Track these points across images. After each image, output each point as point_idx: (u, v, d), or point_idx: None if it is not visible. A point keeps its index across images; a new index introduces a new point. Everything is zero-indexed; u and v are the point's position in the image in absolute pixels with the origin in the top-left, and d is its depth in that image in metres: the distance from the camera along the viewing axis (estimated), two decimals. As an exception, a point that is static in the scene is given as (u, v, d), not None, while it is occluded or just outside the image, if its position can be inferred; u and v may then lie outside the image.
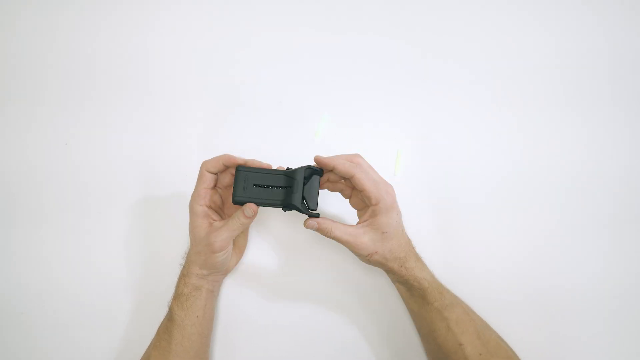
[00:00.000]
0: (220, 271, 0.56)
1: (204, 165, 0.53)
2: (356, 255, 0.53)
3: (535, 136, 0.64)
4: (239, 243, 0.60)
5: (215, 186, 0.55)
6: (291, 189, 0.51)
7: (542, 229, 0.61)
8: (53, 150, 0.67)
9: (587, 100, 0.66)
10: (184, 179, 0.64)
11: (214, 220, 0.54)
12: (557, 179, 0.63)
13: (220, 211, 0.57)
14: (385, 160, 0.64)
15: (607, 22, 0.68)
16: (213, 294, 0.57)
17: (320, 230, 0.51)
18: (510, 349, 0.52)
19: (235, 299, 0.60)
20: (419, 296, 0.52)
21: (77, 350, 0.60)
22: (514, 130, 0.65)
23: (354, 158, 0.53)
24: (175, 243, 0.62)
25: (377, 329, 0.58)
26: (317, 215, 0.52)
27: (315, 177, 0.52)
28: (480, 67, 0.68)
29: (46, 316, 0.61)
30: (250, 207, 0.51)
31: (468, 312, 0.53)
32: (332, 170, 0.51)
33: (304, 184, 0.52)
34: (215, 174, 0.54)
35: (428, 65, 0.68)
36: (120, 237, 0.63)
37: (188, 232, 0.54)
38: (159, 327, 0.54)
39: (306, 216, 0.52)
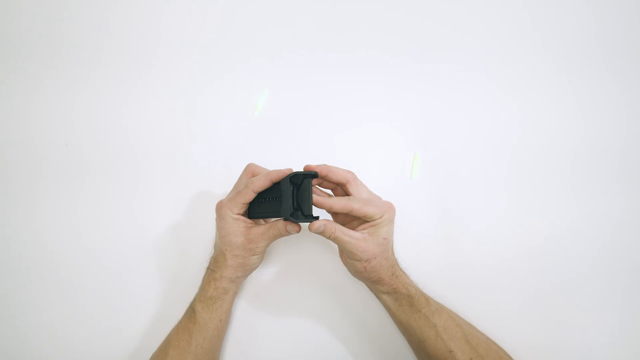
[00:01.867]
0: (251, 272, 0.58)
1: (251, 185, 0.51)
2: (354, 261, 0.52)
3: (538, 133, 0.64)
4: None
5: None
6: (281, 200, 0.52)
7: (547, 234, 0.61)
8: (53, 147, 0.67)
9: (588, 92, 0.66)
10: (180, 177, 0.65)
11: (249, 224, 0.54)
12: (561, 175, 0.63)
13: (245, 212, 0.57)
14: (389, 164, 0.65)
15: (607, 21, 0.68)
16: (235, 296, 0.58)
17: (325, 231, 0.50)
18: (501, 349, 0.53)
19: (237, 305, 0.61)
20: (407, 304, 0.52)
21: (77, 351, 0.60)
22: (516, 127, 0.65)
23: (347, 174, 0.53)
24: (182, 243, 0.63)
25: (371, 337, 0.59)
26: (316, 218, 0.51)
27: (306, 181, 0.51)
28: (481, 65, 0.67)
29: (47, 316, 0.61)
30: (294, 227, 0.52)
31: (454, 318, 0.53)
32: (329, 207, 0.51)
33: (298, 189, 0.52)
34: None
35: (429, 66, 0.68)
36: (121, 237, 0.63)
37: (218, 236, 0.54)
38: (177, 326, 0.55)
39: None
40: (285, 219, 0.52)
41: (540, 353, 0.56)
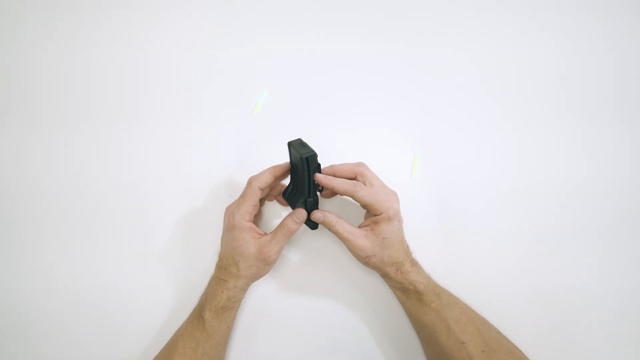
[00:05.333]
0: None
1: (254, 182, 0.52)
2: (355, 255, 0.54)
3: (538, 140, 0.65)
4: None
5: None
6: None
7: (546, 232, 0.61)
8: (54, 151, 0.66)
9: (588, 105, 0.66)
10: (181, 176, 0.65)
11: (259, 234, 0.54)
12: (561, 175, 0.63)
13: (257, 222, 0.57)
14: (390, 164, 0.64)
15: (607, 23, 0.68)
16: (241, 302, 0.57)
17: (325, 221, 0.52)
18: (512, 344, 0.53)
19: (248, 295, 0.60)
20: (415, 299, 0.53)
21: (82, 355, 0.60)
22: (517, 127, 0.65)
23: (356, 168, 0.54)
24: (185, 245, 0.62)
25: (380, 324, 0.59)
26: (313, 200, 0.52)
27: (304, 160, 0.50)
28: (482, 66, 0.68)
29: (47, 317, 0.61)
30: (299, 215, 0.52)
31: (466, 312, 0.53)
32: (331, 190, 0.52)
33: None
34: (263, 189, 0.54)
35: (429, 65, 0.68)
36: (125, 239, 0.63)
37: (230, 247, 0.53)
38: (182, 334, 0.53)
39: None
40: (283, 196, 0.54)
41: (540, 350, 0.56)
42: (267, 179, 0.52)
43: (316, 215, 0.52)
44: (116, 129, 0.67)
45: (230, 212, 0.53)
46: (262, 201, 0.59)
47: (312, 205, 0.53)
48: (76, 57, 0.70)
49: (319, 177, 0.51)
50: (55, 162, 0.66)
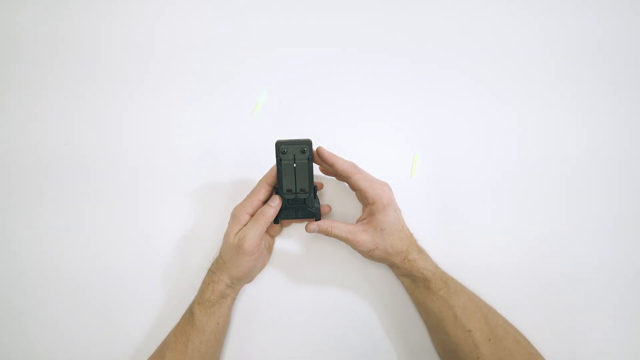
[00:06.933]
0: (247, 281, 0.57)
1: (263, 178, 0.55)
2: (358, 252, 0.54)
3: (537, 132, 0.64)
4: (262, 257, 0.59)
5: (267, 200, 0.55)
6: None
7: (546, 225, 0.61)
8: (53, 148, 0.67)
9: (587, 94, 0.66)
10: (180, 176, 0.65)
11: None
12: (560, 174, 0.63)
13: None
14: (389, 163, 0.64)
15: (606, 13, 0.68)
16: (234, 302, 0.57)
17: (321, 231, 0.53)
18: (518, 333, 0.53)
19: (248, 293, 0.60)
20: (423, 287, 0.53)
21: (78, 352, 0.60)
22: (515, 127, 0.65)
23: (349, 169, 0.54)
24: (184, 244, 0.62)
25: (389, 317, 0.59)
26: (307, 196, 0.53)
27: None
28: (480, 66, 0.67)
29: (46, 317, 0.61)
30: (274, 197, 0.53)
31: (474, 300, 0.53)
32: (330, 166, 0.53)
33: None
34: (273, 186, 0.55)
35: (429, 66, 0.68)
36: (122, 237, 0.63)
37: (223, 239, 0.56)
38: (176, 328, 0.54)
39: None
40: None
41: (541, 349, 0.55)
42: (267, 191, 0.54)
43: (310, 227, 0.53)
44: (116, 126, 0.67)
45: (235, 206, 0.55)
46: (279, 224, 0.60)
47: (311, 201, 0.55)
48: (75, 58, 0.70)
49: (322, 150, 0.52)
50: (54, 160, 0.66)
